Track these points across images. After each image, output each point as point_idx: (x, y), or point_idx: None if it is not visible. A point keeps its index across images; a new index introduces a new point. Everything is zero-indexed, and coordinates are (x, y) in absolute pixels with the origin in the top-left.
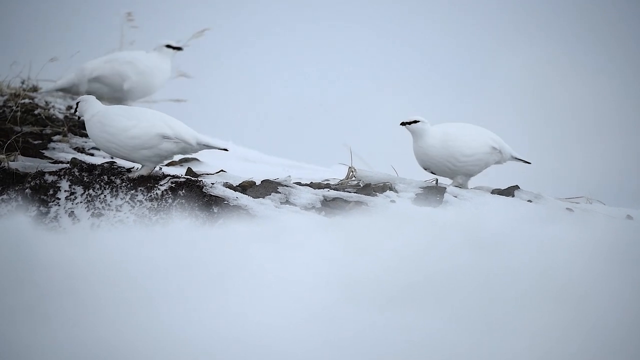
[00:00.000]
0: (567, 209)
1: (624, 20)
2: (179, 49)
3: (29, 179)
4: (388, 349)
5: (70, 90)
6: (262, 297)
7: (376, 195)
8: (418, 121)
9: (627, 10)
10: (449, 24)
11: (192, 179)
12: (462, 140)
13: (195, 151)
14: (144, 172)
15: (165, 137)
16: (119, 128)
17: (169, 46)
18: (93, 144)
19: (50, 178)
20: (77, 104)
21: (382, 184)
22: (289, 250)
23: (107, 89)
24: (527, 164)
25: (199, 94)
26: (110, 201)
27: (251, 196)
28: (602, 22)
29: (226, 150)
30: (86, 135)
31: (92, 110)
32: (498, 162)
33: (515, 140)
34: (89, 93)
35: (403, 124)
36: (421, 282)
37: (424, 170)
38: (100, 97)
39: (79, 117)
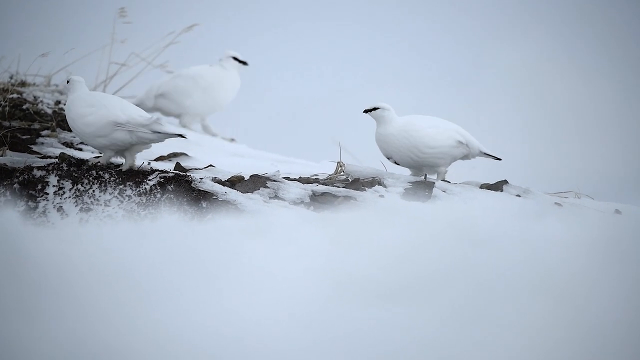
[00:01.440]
0: (555, 203)
1: (614, 15)
2: (244, 63)
3: (18, 174)
4: (378, 344)
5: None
6: (251, 292)
7: (365, 190)
8: (378, 108)
9: (617, 5)
10: (442, 19)
11: (181, 173)
12: (427, 131)
13: (154, 141)
14: (103, 160)
15: (118, 125)
16: (77, 114)
17: (235, 59)
18: None
19: (38, 173)
20: (68, 81)
21: (370, 179)
22: (277, 244)
23: (173, 105)
24: (497, 160)
25: None
26: (99, 196)
27: (240, 191)
28: (593, 18)
29: (183, 137)
30: None
31: (72, 94)
32: (466, 157)
33: (505, 136)
34: (156, 109)
35: (365, 111)
36: (410, 277)
37: (387, 160)
38: (168, 113)
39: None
